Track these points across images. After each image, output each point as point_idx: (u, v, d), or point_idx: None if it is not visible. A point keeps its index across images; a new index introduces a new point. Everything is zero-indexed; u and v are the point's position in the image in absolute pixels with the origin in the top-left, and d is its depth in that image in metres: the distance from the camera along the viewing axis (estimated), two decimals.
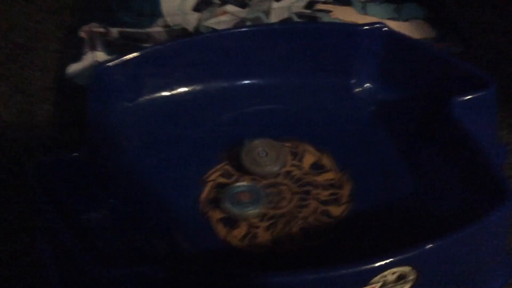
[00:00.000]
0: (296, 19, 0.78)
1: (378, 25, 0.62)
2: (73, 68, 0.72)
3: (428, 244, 0.42)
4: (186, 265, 0.46)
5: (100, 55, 0.73)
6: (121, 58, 0.59)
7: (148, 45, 0.74)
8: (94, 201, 0.51)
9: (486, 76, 0.56)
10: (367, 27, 0.62)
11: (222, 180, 0.56)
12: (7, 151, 0.63)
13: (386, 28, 0.62)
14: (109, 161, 0.55)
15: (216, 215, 0.53)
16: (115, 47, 0.74)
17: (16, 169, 0.61)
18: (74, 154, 0.50)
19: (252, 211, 0.53)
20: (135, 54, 0.60)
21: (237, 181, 0.56)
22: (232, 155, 0.58)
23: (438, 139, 0.57)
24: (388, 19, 0.78)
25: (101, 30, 0.77)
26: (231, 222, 0.53)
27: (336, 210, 0.54)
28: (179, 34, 0.77)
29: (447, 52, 0.68)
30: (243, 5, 0.81)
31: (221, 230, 0.52)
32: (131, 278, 0.42)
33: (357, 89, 0.64)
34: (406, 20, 0.78)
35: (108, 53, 0.73)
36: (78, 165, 0.51)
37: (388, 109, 0.62)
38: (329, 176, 0.57)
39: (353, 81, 0.64)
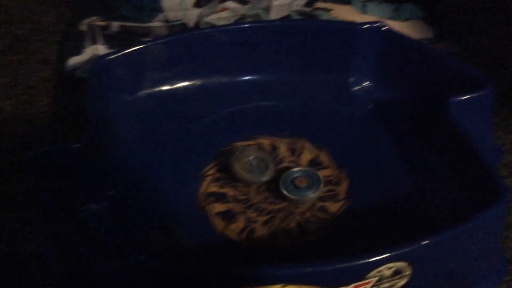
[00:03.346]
0: (295, 16, 0.79)
1: (377, 24, 0.62)
2: (74, 61, 0.72)
3: (424, 240, 0.42)
4: (185, 257, 0.47)
5: (101, 49, 0.73)
6: (121, 52, 0.59)
7: (148, 39, 0.74)
8: (93, 193, 0.52)
9: (483, 76, 0.57)
10: (366, 26, 0.62)
11: (219, 175, 0.57)
12: (7, 142, 0.63)
13: (386, 27, 0.62)
14: (108, 153, 0.55)
15: (214, 209, 0.54)
16: (116, 41, 0.74)
17: (15, 160, 0.61)
18: (74, 145, 0.50)
19: (312, 195, 0.53)
20: (135, 48, 0.60)
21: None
22: (230, 150, 0.58)
23: (434, 138, 0.58)
24: (387, 18, 0.78)
25: (102, 23, 0.77)
26: (229, 216, 0.53)
27: (333, 207, 0.54)
28: (180, 29, 0.77)
29: (445, 52, 0.68)
30: (243, 2, 0.81)
31: (219, 224, 0.53)
32: (129, 269, 0.42)
33: (355, 87, 0.65)
34: (404, 20, 0.79)
35: (109, 47, 0.74)
36: (77, 156, 0.51)
37: (386, 107, 0.63)
38: (326, 173, 0.57)
39: (351, 79, 0.65)
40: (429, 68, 0.60)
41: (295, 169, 0.55)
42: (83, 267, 0.44)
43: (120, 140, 0.58)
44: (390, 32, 0.62)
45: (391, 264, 0.42)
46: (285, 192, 0.53)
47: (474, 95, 0.55)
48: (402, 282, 0.43)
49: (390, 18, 0.79)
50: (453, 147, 0.55)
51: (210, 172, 0.57)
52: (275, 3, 0.80)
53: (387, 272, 0.42)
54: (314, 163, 0.58)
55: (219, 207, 0.54)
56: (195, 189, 0.55)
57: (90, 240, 0.44)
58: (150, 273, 0.42)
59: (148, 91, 0.62)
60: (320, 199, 0.55)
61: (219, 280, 0.41)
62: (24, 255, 0.53)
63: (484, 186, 0.50)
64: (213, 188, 0.55)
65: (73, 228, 0.44)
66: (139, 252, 0.42)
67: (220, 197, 0.55)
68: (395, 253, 0.42)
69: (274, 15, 0.79)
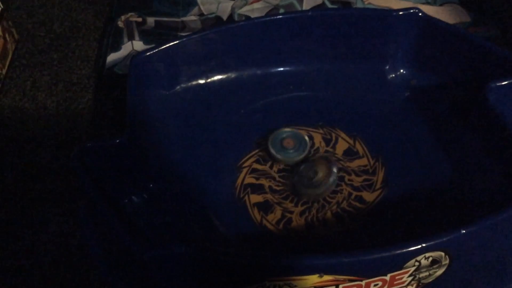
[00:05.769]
0: (329, 5, 0.78)
1: (412, 10, 0.61)
2: (113, 57, 0.73)
3: (462, 230, 0.42)
4: (224, 247, 0.48)
5: (138, 44, 0.75)
6: (158, 48, 0.60)
7: (184, 34, 0.75)
8: (135, 186, 0.53)
9: None
10: (401, 13, 0.61)
11: (256, 166, 0.57)
12: (52, 138, 0.65)
13: (421, 14, 0.61)
14: (149, 147, 0.57)
15: (252, 200, 0.55)
16: (152, 36, 0.76)
17: (60, 155, 0.63)
18: (117, 141, 0.52)
19: (296, 157, 0.55)
20: (171, 44, 0.61)
21: (271, 166, 0.57)
22: (266, 142, 0.59)
23: (473, 125, 0.57)
24: (423, 3, 0.77)
25: (138, 19, 0.78)
26: (266, 207, 0.54)
27: (369, 196, 0.54)
28: (214, 22, 0.78)
29: (482, 37, 0.66)
30: None
31: (256, 214, 0.53)
32: (170, 259, 0.43)
33: (391, 75, 0.64)
34: (441, 4, 0.77)
35: (145, 42, 0.75)
36: (119, 151, 0.52)
37: (422, 95, 0.62)
38: (362, 162, 0.57)
39: (387, 67, 0.64)
40: (466, 54, 0.59)
41: (285, 129, 0.57)
42: (126, 258, 0.46)
43: (159, 134, 0.59)
44: (426, 18, 0.61)
45: (428, 254, 0.42)
46: (272, 151, 0.55)
47: None
48: (440, 271, 0.43)
49: (426, 3, 0.77)
50: (493, 134, 0.54)
51: (247, 163, 0.58)
52: None
53: (425, 262, 0.42)
54: (350, 153, 0.58)
55: (256, 198, 0.55)
56: (233, 181, 0.56)
57: (133, 232, 0.46)
58: (190, 263, 0.43)
59: (185, 85, 0.63)
60: (356, 189, 0.55)
61: (257, 270, 0.42)
62: (70, 247, 0.55)
63: None
64: (250, 180, 0.56)
65: (116, 220, 0.45)
66: (179, 243, 0.43)
67: (257, 188, 0.55)
68: (432, 242, 0.41)
69: (306, 5, 0.79)
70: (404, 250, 0.41)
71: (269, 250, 0.50)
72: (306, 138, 0.57)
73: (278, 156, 0.55)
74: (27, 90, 0.71)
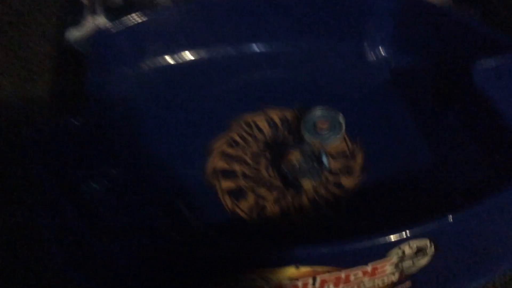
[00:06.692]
0: None
1: None
2: (73, 33, 0.69)
3: (450, 217, 0.39)
4: (195, 240, 0.44)
5: (101, 21, 0.70)
6: (122, 23, 0.57)
7: (151, 10, 0.71)
8: (95, 171, 0.49)
9: (507, 39, 0.53)
10: None
11: (228, 149, 0.54)
12: (6, 120, 0.61)
13: None
14: (111, 130, 0.53)
15: (223, 185, 0.51)
16: (116, 11, 0.71)
17: (16, 138, 0.59)
18: (74, 121, 0.48)
19: (334, 139, 0.52)
20: (136, 19, 0.57)
21: (243, 150, 0.54)
22: (238, 123, 0.56)
23: (456, 107, 0.55)
24: None
25: None
26: (238, 193, 0.51)
27: (348, 181, 0.52)
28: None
29: (466, 16, 0.64)
30: None
31: (228, 201, 0.50)
32: (133, 251, 0.40)
33: (370, 55, 0.61)
34: None
35: (109, 18, 0.71)
36: (78, 132, 0.49)
37: (403, 76, 0.59)
38: (340, 145, 0.54)
39: (366, 46, 0.61)
40: (449, 33, 0.57)
41: (318, 109, 0.54)
42: (83, 249, 0.42)
43: (123, 115, 0.55)
44: None
45: (413, 242, 0.39)
46: (306, 136, 0.52)
47: (499, 58, 0.52)
48: (424, 261, 0.41)
49: None
50: (477, 116, 0.52)
51: (217, 145, 0.54)
52: None
53: (409, 250, 0.39)
54: None
55: (228, 184, 0.51)
56: (202, 165, 0.53)
57: (91, 221, 0.42)
58: (154, 255, 0.39)
59: (152, 64, 0.59)
60: (334, 173, 0.52)
61: (228, 263, 0.39)
62: (25, 237, 0.52)
63: (510, 158, 0.47)
64: (222, 164, 0.53)
65: (72, 208, 0.42)
66: (142, 235, 0.39)
67: (229, 174, 0.52)
68: (420, 230, 0.39)
69: None
70: (388, 238, 0.38)
71: (241, 240, 0.47)
72: (340, 117, 0.54)
73: (313, 140, 0.52)
74: None
